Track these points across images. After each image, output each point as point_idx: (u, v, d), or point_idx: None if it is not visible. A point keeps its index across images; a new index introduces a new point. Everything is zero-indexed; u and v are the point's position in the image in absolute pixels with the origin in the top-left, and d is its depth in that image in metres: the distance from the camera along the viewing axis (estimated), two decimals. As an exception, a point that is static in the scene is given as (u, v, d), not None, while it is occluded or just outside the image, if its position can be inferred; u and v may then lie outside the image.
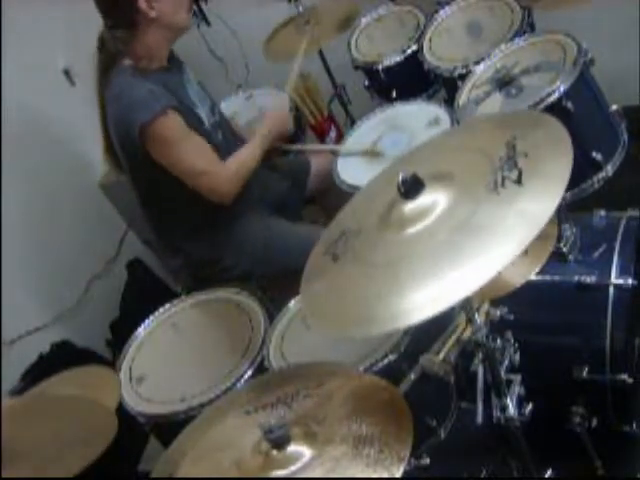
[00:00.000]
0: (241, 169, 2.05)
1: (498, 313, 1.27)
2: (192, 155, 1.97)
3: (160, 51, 2.03)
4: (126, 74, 1.97)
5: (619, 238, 1.73)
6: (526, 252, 1.57)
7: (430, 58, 2.23)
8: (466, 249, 1.03)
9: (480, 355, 1.25)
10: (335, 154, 2.12)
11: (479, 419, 1.27)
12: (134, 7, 1.92)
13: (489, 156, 1.13)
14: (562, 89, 1.57)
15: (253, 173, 2.11)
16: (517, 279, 1.57)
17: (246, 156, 2.08)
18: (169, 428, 1.56)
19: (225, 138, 2.14)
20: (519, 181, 1.05)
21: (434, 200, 1.11)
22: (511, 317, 1.30)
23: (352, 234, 1.22)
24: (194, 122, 2.00)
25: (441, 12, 2.35)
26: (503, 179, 1.06)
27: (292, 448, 1.14)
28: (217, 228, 2.14)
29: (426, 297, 1.01)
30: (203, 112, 2.09)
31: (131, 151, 1.98)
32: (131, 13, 1.93)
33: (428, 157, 1.34)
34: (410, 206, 1.12)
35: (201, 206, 2.05)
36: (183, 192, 2.01)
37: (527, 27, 2.11)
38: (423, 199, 1.12)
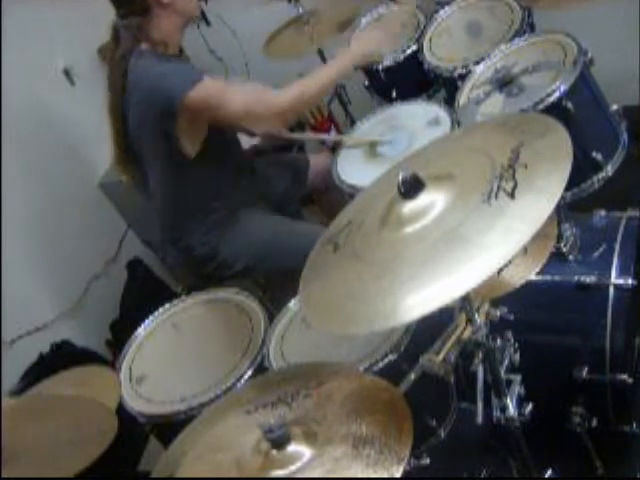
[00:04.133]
0: (308, 86, 2.05)
1: (498, 313, 1.27)
2: (241, 92, 2.02)
3: (174, 38, 2.04)
4: (148, 57, 1.97)
5: (619, 238, 1.73)
6: (526, 252, 1.59)
7: (430, 58, 2.24)
8: (446, 260, 1.02)
9: (480, 355, 1.25)
10: (338, 147, 2.13)
11: (479, 419, 1.27)
12: None
13: (493, 161, 1.12)
14: (562, 89, 1.57)
15: (256, 169, 2.11)
16: (517, 279, 1.57)
17: (317, 75, 2.08)
18: (169, 428, 1.57)
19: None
20: (512, 194, 1.04)
21: (431, 202, 1.10)
22: (511, 317, 1.29)
23: (356, 226, 1.22)
24: None
25: (441, 12, 2.36)
26: (498, 189, 1.05)
27: (292, 448, 1.14)
28: (218, 222, 2.14)
29: (413, 301, 1.00)
30: None
31: (158, 131, 1.96)
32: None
33: (437, 156, 1.32)
34: (409, 206, 1.11)
35: (212, 199, 2.06)
36: (199, 181, 2.03)
37: (527, 27, 2.11)
38: (422, 200, 1.11)
